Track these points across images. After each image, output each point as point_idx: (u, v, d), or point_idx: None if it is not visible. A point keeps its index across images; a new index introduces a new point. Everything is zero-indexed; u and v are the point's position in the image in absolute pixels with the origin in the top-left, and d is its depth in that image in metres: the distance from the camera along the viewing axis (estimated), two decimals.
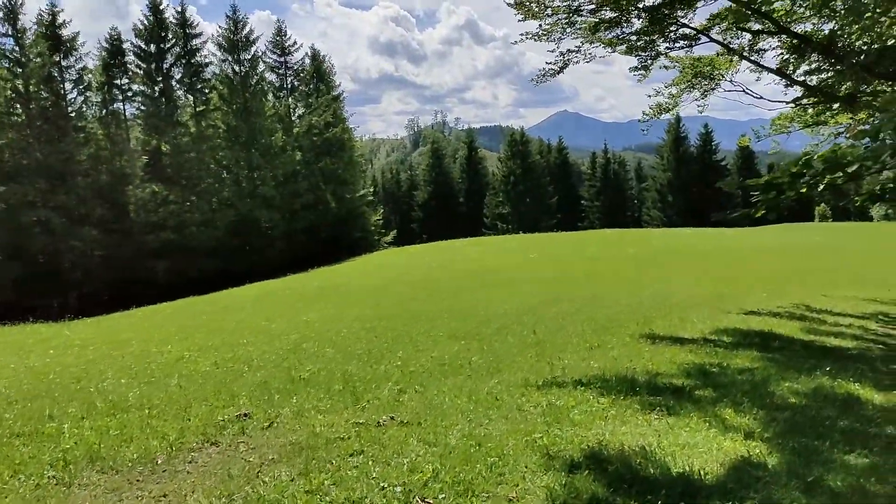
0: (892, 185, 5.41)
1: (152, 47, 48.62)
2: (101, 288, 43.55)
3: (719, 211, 75.99)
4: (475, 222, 77.62)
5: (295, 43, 55.82)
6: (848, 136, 14.94)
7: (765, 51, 14.06)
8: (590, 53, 13.48)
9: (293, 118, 56.55)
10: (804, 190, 6.08)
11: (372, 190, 68.06)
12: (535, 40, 13.34)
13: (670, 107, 16.83)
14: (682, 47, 13.77)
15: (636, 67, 14.62)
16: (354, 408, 6.17)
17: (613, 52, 13.79)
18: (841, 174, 5.23)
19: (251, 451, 5.36)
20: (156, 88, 48.80)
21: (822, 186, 5.58)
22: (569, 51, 13.31)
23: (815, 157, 5.40)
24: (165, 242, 45.99)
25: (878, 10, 11.42)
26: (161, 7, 48.69)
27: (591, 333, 12.05)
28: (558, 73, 13.55)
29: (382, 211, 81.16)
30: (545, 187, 78.32)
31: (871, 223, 68.04)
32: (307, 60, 57.56)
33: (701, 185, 76.52)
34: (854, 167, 5.10)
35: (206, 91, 51.21)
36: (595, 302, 17.35)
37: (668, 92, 16.69)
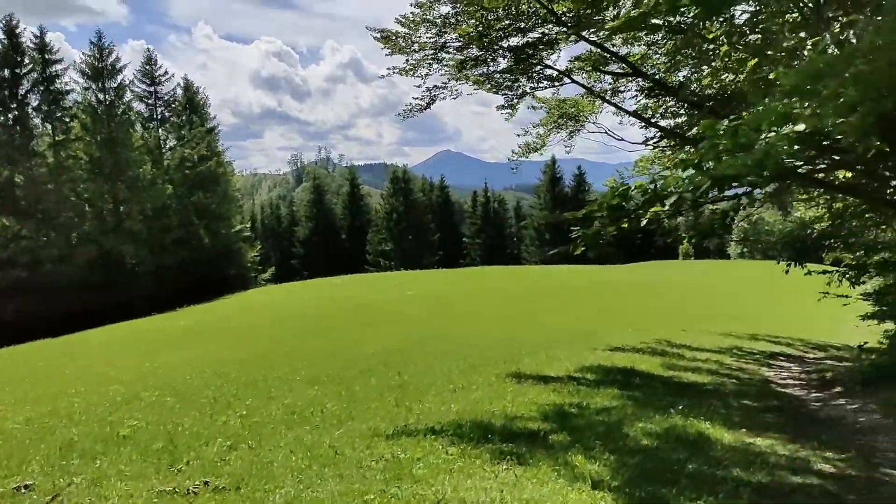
0: (718, 219, 5.34)
1: (6, 72, 45.19)
2: None
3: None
4: (358, 259, 76.72)
5: (166, 73, 53.72)
6: (668, 164, 15.56)
7: (622, 93, 14.52)
8: (456, 90, 13.43)
9: (164, 150, 54.04)
10: (625, 224, 5.92)
11: (249, 225, 65.99)
12: (402, 75, 13.14)
13: (538, 146, 17.06)
14: (546, 87, 14.01)
15: (503, 106, 14.73)
16: (168, 471, 5.44)
17: (479, 90, 13.82)
18: (661, 207, 5.12)
19: None
20: (9, 116, 45.28)
21: (644, 221, 5.45)
22: (435, 86, 13.22)
23: (633, 187, 5.27)
24: (16, 281, 42.28)
25: (723, 59, 12.01)
26: (17, 31, 45.43)
27: (458, 374, 11.72)
28: (425, 108, 13.41)
29: (261, 247, 78.88)
30: (427, 224, 78.76)
31: (728, 261, 72.75)
32: (179, 91, 55.46)
33: (576, 223, 79.22)
34: (672, 199, 5.00)
35: (67, 120, 48.10)
36: (468, 340, 17.13)
37: (535, 132, 16.95)
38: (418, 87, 13.00)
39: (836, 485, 5.50)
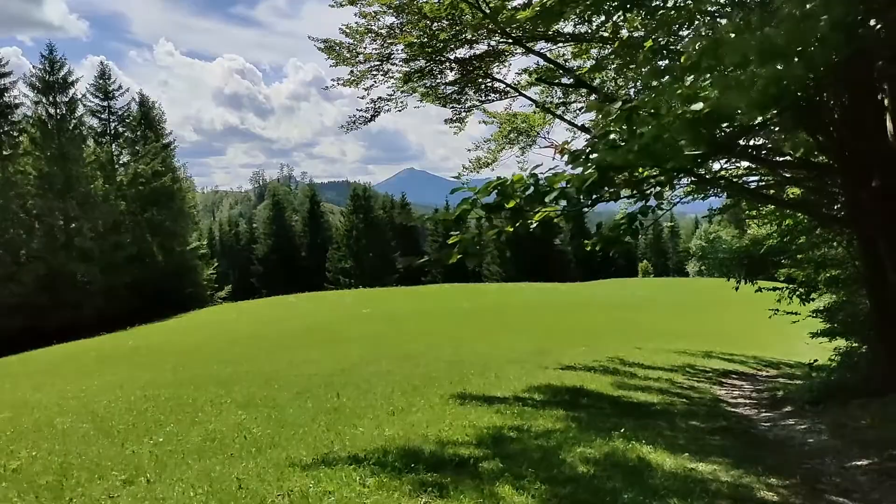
0: (624, 224, 4.88)
1: None
2: None
3: (556, 268, 79.23)
4: (318, 276, 75.67)
5: (120, 87, 52.50)
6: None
7: (571, 104, 14.28)
8: (402, 102, 13.07)
9: (117, 166, 52.72)
10: (510, 228, 5.30)
11: (205, 243, 64.68)
12: (346, 86, 12.73)
13: (489, 161, 16.77)
14: (495, 100, 13.74)
15: (451, 119, 14.40)
16: None
17: (426, 103, 13.49)
18: (547, 206, 4.69)
19: None
20: None
21: (534, 223, 4.94)
22: (380, 98, 12.83)
23: (512, 181, 4.78)
24: None
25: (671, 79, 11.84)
26: None
27: (401, 395, 11.24)
28: (369, 120, 13.01)
29: (217, 265, 77.38)
30: (388, 242, 78.19)
31: (687, 279, 73.53)
32: (134, 106, 54.26)
33: (536, 241, 79.56)
34: (554, 195, 4.57)
35: (16, 134, 46.66)
36: (417, 359, 16.65)
37: (486, 146, 16.65)
38: (362, 98, 12.61)
39: None
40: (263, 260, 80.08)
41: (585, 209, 4.58)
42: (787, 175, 13.79)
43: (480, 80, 13.14)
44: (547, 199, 4.21)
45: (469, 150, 16.76)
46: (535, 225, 4.52)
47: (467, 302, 37.63)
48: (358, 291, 50.79)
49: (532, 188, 4.07)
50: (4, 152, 45.98)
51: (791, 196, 13.37)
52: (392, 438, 7.26)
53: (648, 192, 4.74)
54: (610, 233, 4.55)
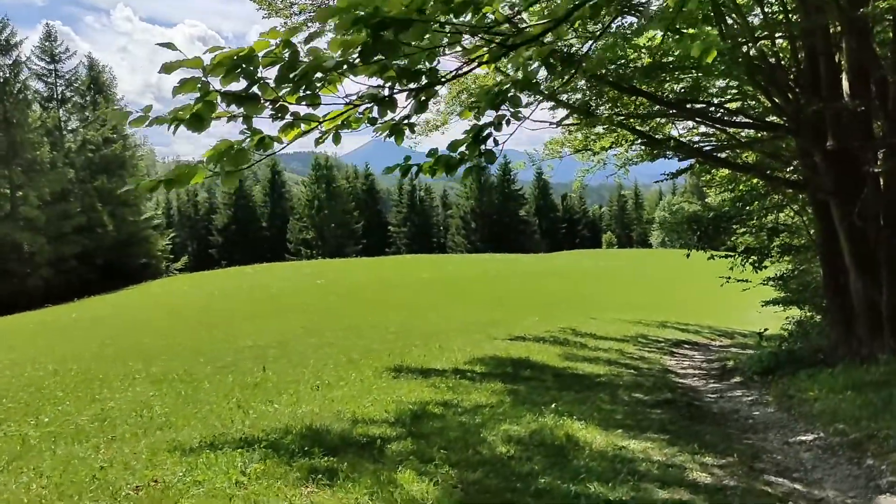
0: (470, 139, 4.01)
1: None
2: None
3: (521, 239, 78.95)
4: (279, 248, 74.32)
5: (67, 50, 50.27)
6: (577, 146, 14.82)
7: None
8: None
9: (65, 132, 50.71)
10: None
11: (160, 212, 62.91)
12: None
13: (438, 124, 16.00)
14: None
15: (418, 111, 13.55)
16: None
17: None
18: None
19: None
20: None
21: None
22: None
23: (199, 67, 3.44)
24: None
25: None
26: None
27: (333, 369, 10.59)
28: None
29: (175, 235, 75.56)
30: (351, 212, 76.97)
31: (649, 250, 73.89)
32: (83, 70, 52.05)
33: (501, 212, 79.23)
34: None
35: None
36: (363, 330, 16.00)
37: (435, 109, 15.85)
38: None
39: (707, 500, 4.62)
40: (223, 230, 78.26)
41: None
42: (742, 139, 13.31)
43: None
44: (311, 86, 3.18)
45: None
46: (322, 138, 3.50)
47: (427, 272, 37.01)
48: (317, 262, 49.85)
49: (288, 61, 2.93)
50: None
51: (745, 161, 12.90)
52: (302, 417, 6.61)
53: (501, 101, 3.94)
54: (451, 154, 3.80)
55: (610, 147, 16.05)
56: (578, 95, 13.69)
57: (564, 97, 13.79)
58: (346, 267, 43.27)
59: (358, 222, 77.32)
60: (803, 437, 6.74)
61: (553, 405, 7.30)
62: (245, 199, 79.66)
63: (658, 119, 14.04)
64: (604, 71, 10.73)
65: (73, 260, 47.34)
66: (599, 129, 16.12)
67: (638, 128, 12.92)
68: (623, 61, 10.35)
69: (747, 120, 11.76)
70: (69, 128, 51.58)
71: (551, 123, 15.58)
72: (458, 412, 7.14)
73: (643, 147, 14.35)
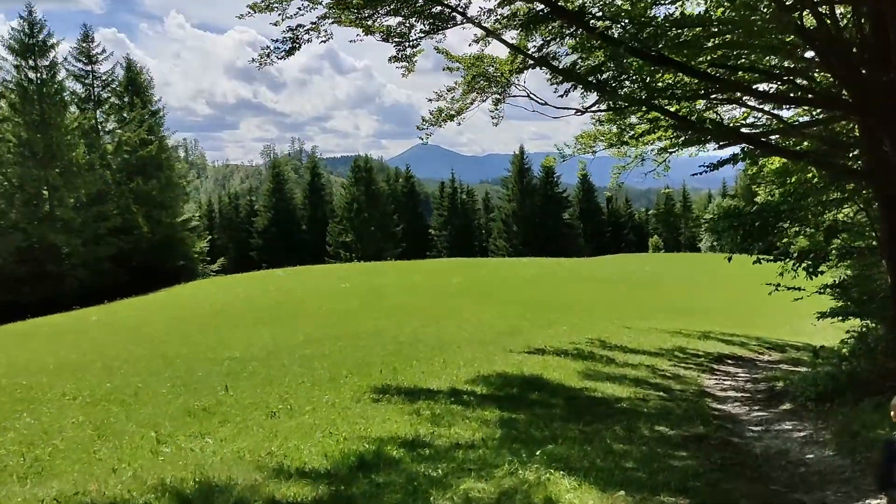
0: None
1: None
2: None
3: (564, 243, 76.88)
4: (318, 250, 73.67)
5: (104, 51, 50.24)
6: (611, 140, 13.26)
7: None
8: (327, 32, 10.82)
9: (102, 133, 50.74)
10: None
11: (198, 215, 62.69)
12: (259, 12, 10.49)
13: (453, 113, 14.54)
14: (439, 29, 11.39)
15: (395, 58, 12.13)
16: None
17: (363, 34, 11.24)
18: None
19: None
20: None
21: None
22: (299, 26, 10.57)
23: None
24: None
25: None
26: None
27: (308, 388, 9.20)
28: (288, 54, 10.76)
29: (216, 238, 75.58)
30: (390, 215, 75.86)
31: (699, 254, 70.84)
32: (119, 70, 52.06)
33: (543, 215, 77.25)
34: None
35: None
36: (367, 339, 14.61)
37: (449, 96, 14.39)
38: (274, 24, 10.34)
39: None
40: (263, 233, 77.96)
41: None
42: (794, 123, 11.47)
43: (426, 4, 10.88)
44: None
45: (430, 99, 14.52)
46: None
47: (459, 277, 35.47)
48: (349, 266, 48.82)
49: None
50: None
51: (799, 148, 11.06)
52: (210, 465, 5.19)
53: None
54: None
55: (642, 135, 14.36)
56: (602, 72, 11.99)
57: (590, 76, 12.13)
58: (377, 270, 42.07)
59: (398, 225, 76.18)
60: (874, 502, 5.04)
61: (550, 446, 5.75)
62: (285, 202, 79.35)
63: (695, 102, 12.32)
64: (621, 31, 9.10)
65: (108, 262, 47.18)
66: (633, 118, 14.45)
67: (670, 108, 11.22)
68: (646, 19, 8.70)
69: (801, 95, 9.99)
70: (106, 129, 51.60)
71: (578, 111, 13.98)
72: (422, 457, 5.64)
73: (677, 133, 12.65)
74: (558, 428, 7.15)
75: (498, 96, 14.55)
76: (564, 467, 5.27)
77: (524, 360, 11.91)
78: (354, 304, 23.20)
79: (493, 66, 14.16)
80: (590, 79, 11.80)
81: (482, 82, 14.37)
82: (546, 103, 13.67)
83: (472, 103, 14.69)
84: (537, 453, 5.75)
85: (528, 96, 13.82)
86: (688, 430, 7.55)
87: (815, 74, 10.52)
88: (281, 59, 10.86)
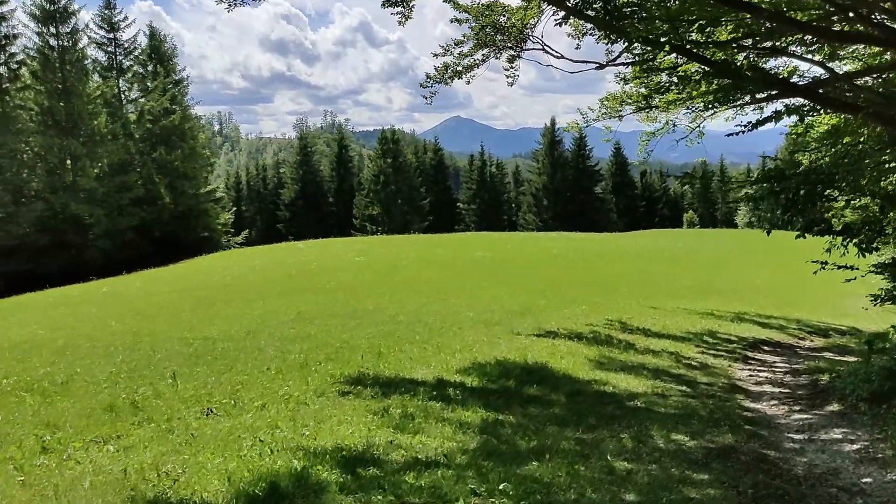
0: None
1: None
2: None
3: (596, 218, 74.87)
4: (345, 223, 72.79)
5: (126, 18, 49.41)
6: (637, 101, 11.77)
7: None
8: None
9: (125, 102, 50.08)
10: None
11: (223, 185, 62.14)
12: None
13: (460, 70, 13.14)
14: None
15: (389, 1, 10.72)
16: None
17: None
18: None
19: None
20: None
21: None
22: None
23: None
24: None
25: None
26: None
27: (271, 376, 8.00)
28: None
29: (243, 209, 75.17)
30: (417, 188, 74.48)
31: (735, 230, 68.29)
32: (143, 39, 51.23)
33: (575, 189, 75.22)
34: None
35: (15, 66, 44.13)
36: (363, 318, 13.37)
37: (457, 51, 12.96)
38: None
39: None
40: (290, 205, 77.24)
41: None
42: (848, 74, 9.81)
43: None
44: None
45: (435, 54, 13.12)
46: None
47: (482, 251, 34.09)
48: (370, 239, 47.74)
49: None
50: (4, 85, 43.54)
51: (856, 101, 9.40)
52: (68, 492, 3.97)
53: None
54: None
55: (673, 94, 12.85)
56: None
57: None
58: (399, 243, 40.86)
59: (425, 198, 74.80)
60: None
61: (533, 465, 4.43)
62: (312, 174, 78.41)
63: (735, 53, 10.72)
64: None
65: (130, 232, 46.76)
66: (662, 76, 12.89)
67: (704, 55, 9.68)
68: None
69: (866, 31, 8.38)
70: (129, 98, 50.95)
71: (600, 65, 12.46)
72: (358, 482, 4.35)
73: (711, 91, 11.08)
74: (551, 435, 5.82)
75: (512, 52, 13.12)
76: (542, 502, 3.95)
77: (530, 345, 10.56)
78: (366, 279, 22.01)
79: (504, 16, 12.72)
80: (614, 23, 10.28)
81: (493, 34, 12.96)
82: (563, 56, 12.18)
83: (483, 60, 13.31)
84: (512, 478, 4.44)
85: (544, 49, 12.34)
86: (712, 439, 6.16)
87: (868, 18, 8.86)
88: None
